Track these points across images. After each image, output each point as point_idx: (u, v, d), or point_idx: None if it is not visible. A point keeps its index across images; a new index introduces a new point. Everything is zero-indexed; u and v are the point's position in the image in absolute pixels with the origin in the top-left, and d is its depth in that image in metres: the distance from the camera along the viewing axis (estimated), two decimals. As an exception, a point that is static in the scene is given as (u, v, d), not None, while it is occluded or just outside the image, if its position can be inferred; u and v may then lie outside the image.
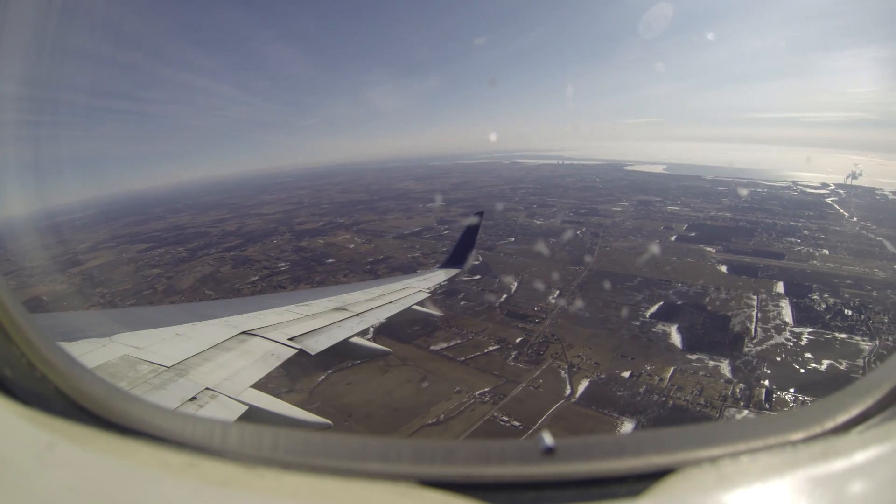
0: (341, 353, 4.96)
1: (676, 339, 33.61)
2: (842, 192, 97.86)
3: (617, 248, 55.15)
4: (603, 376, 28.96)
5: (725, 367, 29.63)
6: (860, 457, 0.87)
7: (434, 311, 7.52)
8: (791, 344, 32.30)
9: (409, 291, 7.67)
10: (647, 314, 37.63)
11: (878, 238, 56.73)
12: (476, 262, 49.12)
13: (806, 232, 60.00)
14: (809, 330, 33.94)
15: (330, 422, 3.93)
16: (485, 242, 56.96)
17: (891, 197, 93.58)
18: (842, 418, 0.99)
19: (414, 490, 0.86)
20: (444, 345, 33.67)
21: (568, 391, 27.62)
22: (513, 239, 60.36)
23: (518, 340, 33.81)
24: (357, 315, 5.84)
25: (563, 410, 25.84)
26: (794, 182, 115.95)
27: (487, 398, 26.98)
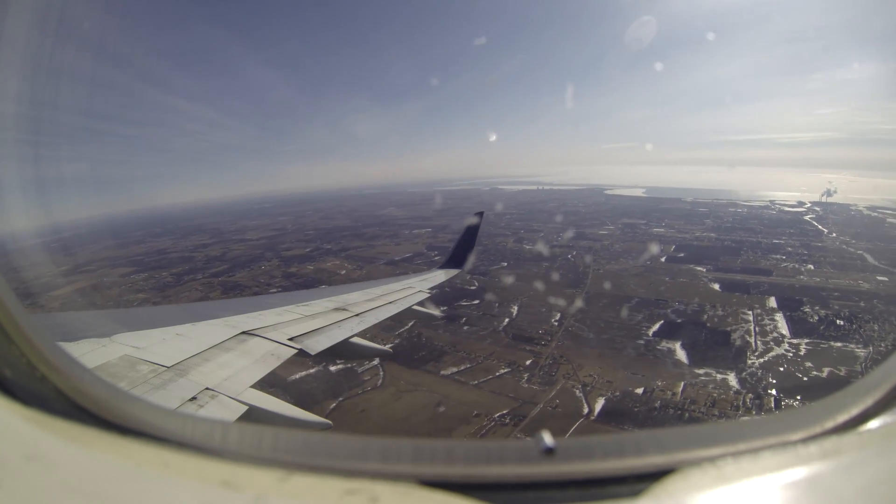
0: (341, 353, 4.97)
1: (682, 355, 34.84)
2: (818, 209, 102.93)
3: (610, 271, 56.29)
4: (617, 394, 29.61)
5: (733, 380, 30.81)
6: (860, 457, 0.87)
7: (434, 312, 7.52)
8: (791, 355, 33.95)
9: (409, 292, 7.67)
10: (650, 333, 38.82)
11: (859, 252, 60.47)
12: (472, 288, 50.14)
13: (790, 249, 63.21)
14: (806, 341, 35.82)
15: (330, 422, 3.93)
16: (478, 268, 57.39)
17: (865, 212, 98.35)
18: (842, 418, 0.99)
19: (414, 490, 0.86)
20: (455, 369, 33.94)
21: (586, 410, 28.18)
22: (505, 264, 60.89)
23: (528, 363, 34.33)
24: (357, 315, 5.84)
25: (585, 428, 26.31)
26: (771, 201, 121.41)
27: (507, 420, 27.25)
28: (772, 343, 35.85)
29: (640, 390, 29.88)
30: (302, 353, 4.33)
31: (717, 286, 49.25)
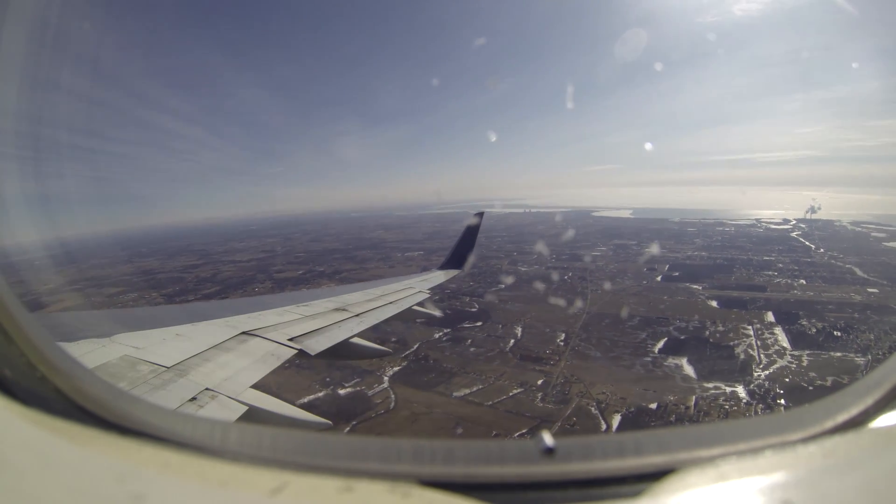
0: (341, 353, 4.96)
1: (689, 370, 35.74)
2: (804, 226, 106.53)
3: (608, 291, 56.92)
4: (632, 410, 29.99)
5: (742, 392, 31.69)
6: (860, 457, 0.87)
7: (434, 312, 7.51)
8: (794, 366, 35.21)
9: (410, 292, 7.67)
10: (656, 350, 39.70)
11: (848, 266, 63.39)
12: (474, 310, 50.61)
13: (780, 265, 65.47)
14: (808, 352, 37.23)
15: (330, 422, 3.93)
16: (476, 290, 58.02)
17: (849, 227, 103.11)
18: (842, 418, 0.99)
19: (414, 490, 0.86)
20: (467, 391, 34.12)
21: (604, 426, 28.57)
22: (503, 286, 61.12)
23: (539, 382, 34.62)
24: (357, 315, 5.84)
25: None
26: (757, 220, 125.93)
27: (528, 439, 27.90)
28: (774, 356, 37.17)
29: (653, 405, 30.42)
30: (302, 354, 4.33)
31: (714, 303, 50.64)
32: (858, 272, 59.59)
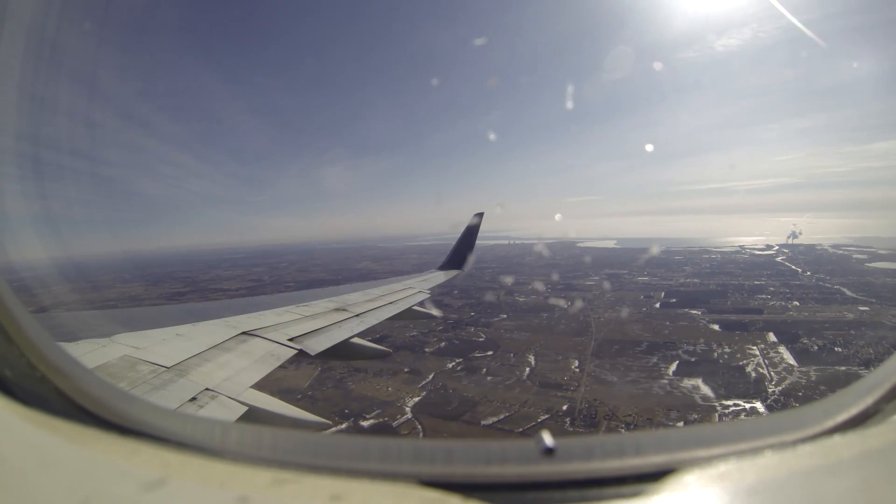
0: (342, 353, 4.96)
1: (706, 389, 37.01)
2: (787, 251, 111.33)
3: (611, 319, 57.79)
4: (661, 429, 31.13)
5: (761, 407, 33.10)
6: (860, 457, 0.87)
7: (434, 312, 7.51)
8: (804, 381, 37.02)
9: (410, 292, 7.67)
10: (670, 372, 40.98)
11: (836, 286, 67.14)
12: (481, 339, 51.18)
13: (772, 289, 68.49)
14: (814, 368, 39.08)
15: (330, 422, 3.93)
16: (478, 321, 58.52)
17: (831, 251, 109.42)
18: (842, 418, 0.99)
19: (414, 490, 0.86)
20: (494, 419, 34.35)
21: None
22: (505, 316, 61.57)
23: (565, 408, 35.04)
24: (357, 316, 5.84)
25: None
26: (741, 246, 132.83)
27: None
28: (784, 372, 38.97)
29: (680, 424, 30.84)
30: (302, 354, 4.33)
31: (716, 327, 52.26)
32: (847, 292, 63.41)
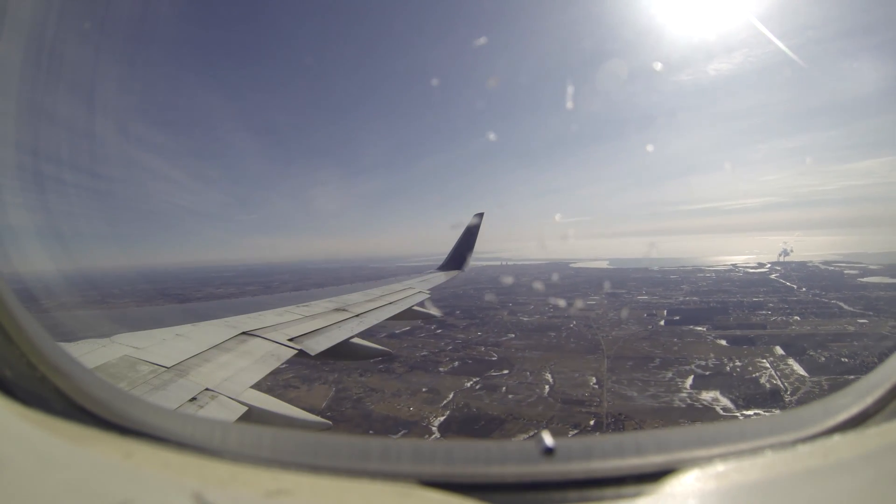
0: (342, 353, 4.96)
1: (726, 401, 37.80)
2: (779, 268, 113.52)
3: (618, 337, 58.21)
4: None
5: None
6: (860, 457, 0.87)
7: (434, 312, 7.51)
8: (818, 390, 37.98)
9: (410, 292, 7.67)
10: (687, 385, 41.57)
11: (833, 301, 68.84)
12: (494, 359, 51.23)
13: (771, 305, 69.64)
14: (825, 378, 40.18)
15: (329, 422, 3.93)
16: (487, 340, 58.88)
17: (822, 267, 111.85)
18: (842, 418, 0.99)
19: (414, 490, 0.86)
20: (524, 436, 34.51)
21: None
22: (513, 335, 61.61)
23: (592, 423, 35.36)
24: (357, 316, 5.84)
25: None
26: (733, 265, 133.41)
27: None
28: (797, 383, 39.99)
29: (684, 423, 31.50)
30: (302, 354, 4.33)
31: (724, 342, 53.06)
32: (844, 306, 65.09)
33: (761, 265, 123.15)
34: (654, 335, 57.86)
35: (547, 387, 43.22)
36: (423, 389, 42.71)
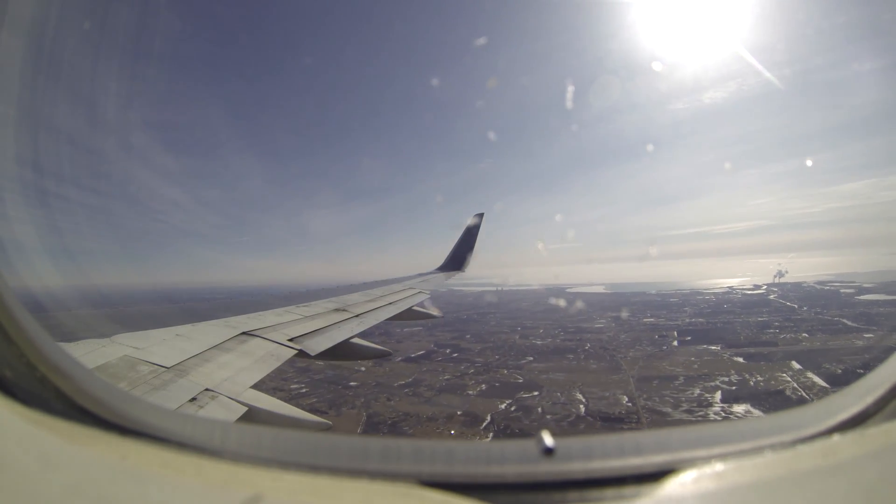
0: (342, 353, 4.96)
1: (757, 413, 38.62)
2: (775, 289, 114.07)
3: (636, 357, 58.67)
4: None
5: None
6: (860, 457, 0.87)
7: (434, 312, 7.51)
8: None
9: (410, 292, 7.67)
10: (717, 400, 42.43)
11: (836, 318, 69.56)
12: (520, 381, 51.37)
13: (776, 324, 70.54)
14: (846, 388, 42.13)
15: (329, 422, 3.93)
16: (506, 363, 59.07)
17: (818, 287, 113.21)
18: (842, 418, 0.99)
19: (414, 490, 0.86)
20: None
21: None
22: (531, 358, 61.66)
23: None
24: (357, 316, 5.84)
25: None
26: (730, 287, 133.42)
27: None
28: (821, 393, 40.87)
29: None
30: (302, 354, 4.33)
31: (740, 359, 54.02)
32: (848, 323, 66.15)
33: (757, 287, 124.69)
34: (670, 354, 58.72)
35: (581, 406, 43.80)
36: (458, 413, 42.94)
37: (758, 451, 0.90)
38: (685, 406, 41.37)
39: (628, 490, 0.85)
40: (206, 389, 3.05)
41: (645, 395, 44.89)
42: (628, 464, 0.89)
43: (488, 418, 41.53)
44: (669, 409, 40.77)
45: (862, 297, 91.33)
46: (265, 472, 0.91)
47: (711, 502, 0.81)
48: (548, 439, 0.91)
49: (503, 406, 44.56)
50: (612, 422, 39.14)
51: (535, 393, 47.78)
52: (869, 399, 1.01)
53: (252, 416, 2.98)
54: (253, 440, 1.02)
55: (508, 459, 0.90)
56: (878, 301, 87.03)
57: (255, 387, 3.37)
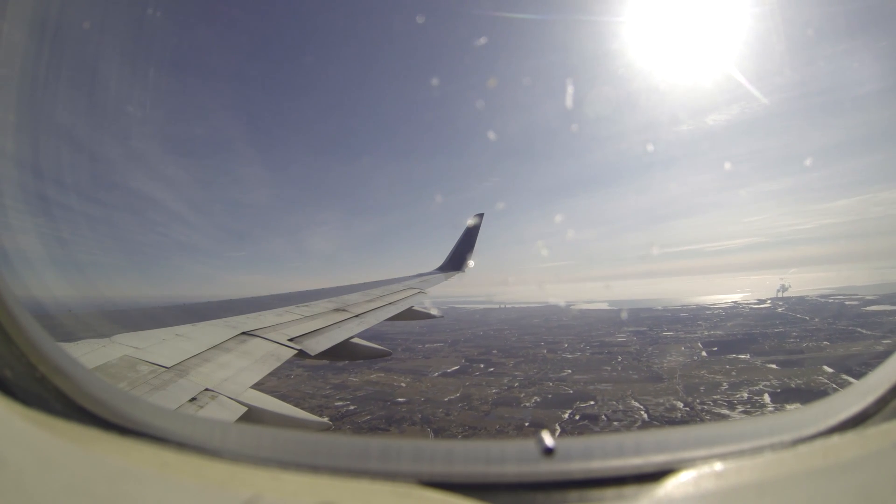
0: (342, 353, 4.96)
1: None
2: (781, 303, 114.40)
3: (673, 366, 59.02)
4: None
5: None
6: (860, 457, 0.87)
7: (434, 312, 7.51)
8: None
9: (410, 292, 7.66)
10: (767, 400, 43.63)
11: (850, 328, 70.41)
12: (570, 392, 51.64)
13: (795, 334, 70.73)
14: None
15: (330, 422, 3.93)
16: (548, 376, 59.25)
17: (821, 300, 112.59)
18: (842, 418, 0.99)
19: (414, 490, 0.86)
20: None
21: None
22: (570, 370, 61.59)
23: None
24: (357, 316, 5.84)
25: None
26: (734, 302, 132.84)
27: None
28: None
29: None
30: (302, 354, 4.33)
31: (774, 365, 54.90)
32: (864, 331, 66.66)
33: (762, 301, 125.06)
34: (705, 364, 59.05)
35: (643, 412, 44.35)
36: (526, 424, 43.18)
37: (758, 451, 0.90)
38: (740, 408, 42.21)
39: (628, 490, 0.85)
40: (206, 389, 3.05)
41: (697, 400, 45.82)
42: (628, 464, 0.89)
43: (557, 428, 41.89)
44: (727, 412, 41.53)
45: (869, 309, 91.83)
46: (265, 472, 0.91)
47: (711, 502, 0.81)
48: (548, 439, 0.91)
49: (566, 416, 45.09)
50: (679, 425, 39.74)
51: (591, 402, 48.27)
52: (869, 399, 1.01)
53: (252, 416, 2.98)
54: (253, 440, 1.02)
55: (508, 459, 0.90)
56: (886, 311, 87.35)
57: (255, 387, 3.37)
